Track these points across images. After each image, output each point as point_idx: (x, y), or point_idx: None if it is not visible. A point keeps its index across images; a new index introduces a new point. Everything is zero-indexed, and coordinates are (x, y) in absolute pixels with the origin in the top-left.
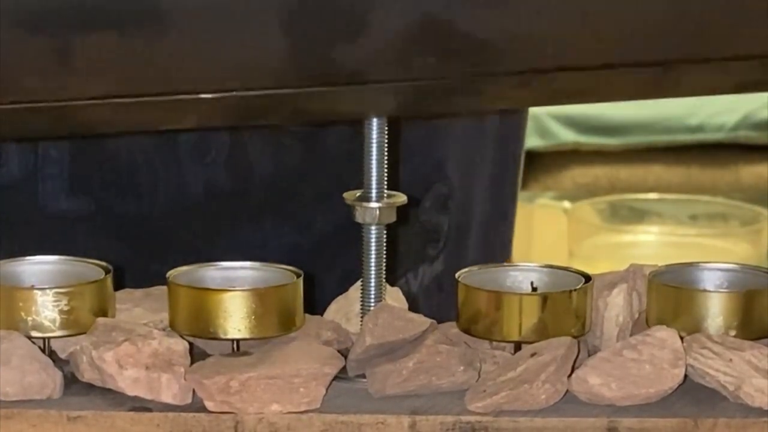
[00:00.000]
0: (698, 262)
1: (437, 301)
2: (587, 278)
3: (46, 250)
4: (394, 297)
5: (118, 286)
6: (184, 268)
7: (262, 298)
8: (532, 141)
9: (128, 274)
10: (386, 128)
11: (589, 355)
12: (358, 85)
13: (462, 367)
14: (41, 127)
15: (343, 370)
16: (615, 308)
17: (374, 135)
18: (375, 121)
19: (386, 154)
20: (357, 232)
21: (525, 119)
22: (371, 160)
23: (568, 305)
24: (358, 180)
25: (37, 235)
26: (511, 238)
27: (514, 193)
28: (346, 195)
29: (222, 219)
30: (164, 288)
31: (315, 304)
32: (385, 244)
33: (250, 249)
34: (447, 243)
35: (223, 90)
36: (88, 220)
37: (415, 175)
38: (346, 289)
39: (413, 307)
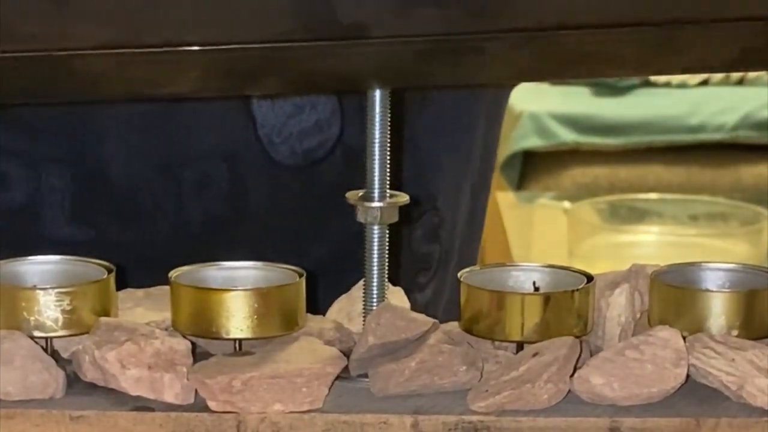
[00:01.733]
0: (700, 262)
1: None
2: (589, 278)
3: None
4: (397, 297)
5: (120, 286)
6: (186, 267)
7: (264, 297)
8: (532, 141)
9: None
10: (389, 124)
11: (591, 355)
12: (360, 39)
13: (464, 367)
14: (40, 80)
15: (346, 369)
16: (617, 308)
17: (377, 134)
18: (378, 109)
19: (389, 153)
20: (353, 260)
21: (495, 146)
22: (374, 159)
23: (570, 305)
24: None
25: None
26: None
27: (484, 215)
28: (348, 195)
29: (220, 249)
30: (166, 288)
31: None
32: (387, 244)
33: None
34: (437, 271)
35: (224, 42)
36: (89, 248)
37: (407, 205)
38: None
39: None
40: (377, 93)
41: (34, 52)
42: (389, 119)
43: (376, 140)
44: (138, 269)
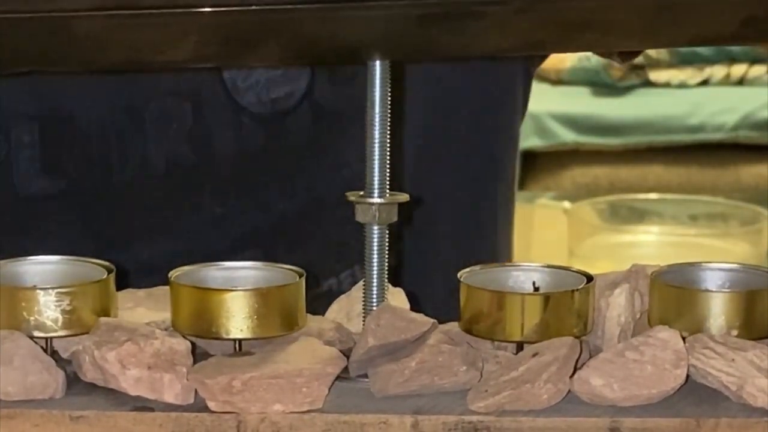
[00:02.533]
0: (700, 262)
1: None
2: (589, 278)
3: (22, 231)
4: (397, 297)
5: (121, 286)
6: (186, 267)
7: (264, 298)
8: (532, 141)
9: (95, 246)
10: (389, 120)
11: (591, 355)
12: (360, 2)
13: (464, 367)
14: (36, 44)
15: (346, 369)
16: (617, 308)
17: (377, 129)
18: (378, 83)
19: (388, 153)
20: (315, 222)
21: (516, 126)
22: (373, 159)
23: (570, 305)
24: (322, 167)
25: (12, 216)
26: (495, 242)
27: (500, 197)
28: (348, 194)
29: (185, 193)
30: (166, 288)
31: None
32: (387, 245)
33: (212, 224)
34: (399, 240)
35: (221, 5)
36: (59, 200)
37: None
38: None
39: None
40: (377, 64)
41: (29, 13)
42: (389, 102)
43: (376, 140)
44: (105, 215)
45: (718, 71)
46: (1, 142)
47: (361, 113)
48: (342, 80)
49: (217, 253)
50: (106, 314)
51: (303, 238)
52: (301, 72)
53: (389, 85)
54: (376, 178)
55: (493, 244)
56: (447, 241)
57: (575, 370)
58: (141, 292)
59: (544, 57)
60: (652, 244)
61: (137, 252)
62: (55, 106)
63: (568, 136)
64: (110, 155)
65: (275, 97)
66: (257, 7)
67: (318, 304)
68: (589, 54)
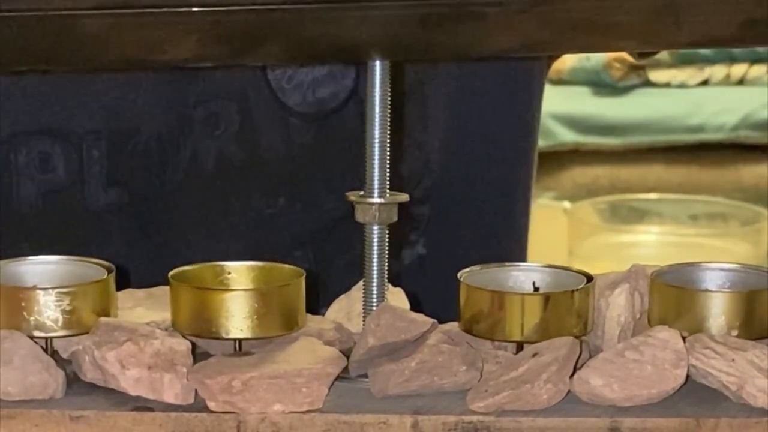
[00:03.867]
0: (700, 263)
1: (419, 281)
2: (589, 278)
3: (85, 243)
4: (397, 297)
5: (122, 285)
6: (186, 267)
7: (264, 297)
8: None
9: (151, 251)
10: (389, 120)
11: (591, 355)
12: (361, 2)
13: (464, 367)
14: (39, 42)
15: (345, 369)
16: (617, 308)
17: (376, 129)
18: (378, 83)
19: (388, 152)
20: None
21: (536, 117)
22: (373, 159)
23: (570, 305)
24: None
25: (79, 229)
26: (518, 234)
27: (521, 187)
28: (348, 194)
29: (233, 193)
30: (166, 288)
31: (323, 290)
32: (387, 245)
33: (262, 224)
34: (427, 228)
35: (221, 4)
36: (123, 211)
37: (406, 173)
38: (353, 276)
39: (397, 285)
40: (377, 64)
41: (31, 12)
42: (389, 102)
43: (376, 137)
44: (160, 219)
45: (718, 71)
46: (74, 160)
47: (407, 110)
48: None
49: (268, 252)
50: (106, 314)
51: (352, 237)
52: (346, 71)
53: (389, 85)
54: (376, 178)
55: (518, 238)
56: (474, 236)
57: (575, 370)
58: (141, 292)
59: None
60: (652, 244)
61: (190, 254)
62: (120, 120)
63: (568, 136)
64: (165, 161)
65: (321, 97)
66: (258, 7)
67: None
68: (589, 53)
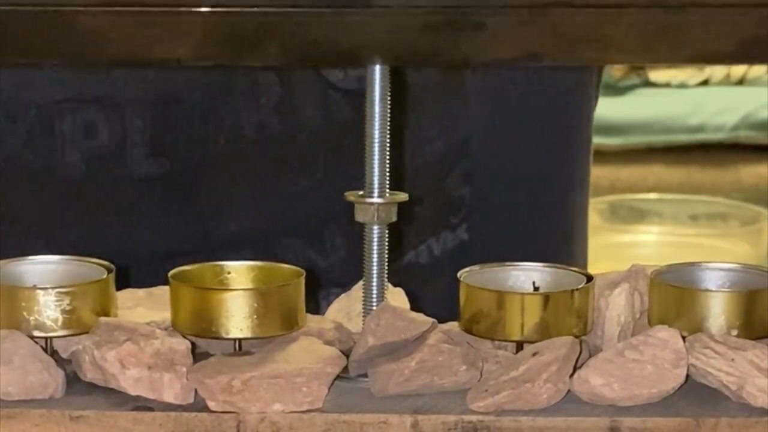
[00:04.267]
0: (700, 262)
1: (462, 265)
2: (589, 278)
3: (126, 212)
4: (397, 297)
5: (122, 285)
6: (186, 267)
7: (264, 297)
8: None
9: (188, 222)
10: (389, 120)
11: (591, 355)
12: (362, 8)
13: (464, 367)
14: (38, 38)
15: (345, 369)
16: (617, 308)
17: (376, 129)
18: (377, 87)
19: (388, 151)
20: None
21: (589, 115)
22: (373, 159)
23: (569, 305)
24: (405, 142)
25: (120, 198)
26: (570, 234)
27: (573, 183)
28: (347, 194)
29: (274, 164)
30: (166, 288)
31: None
32: (387, 244)
33: (299, 196)
34: (469, 212)
35: (222, 5)
36: (164, 179)
37: (443, 153)
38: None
39: (438, 271)
40: (377, 69)
41: (31, 6)
42: (389, 106)
43: (376, 137)
44: (200, 190)
45: (718, 71)
46: (117, 128)
47: (442, 90)
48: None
49: (302, 225)
50: (106, 314)
51: None
52: None
53: (389, 88)
54: (376, 178)
55: (570, 238)
56: (521, 226)
57: (575, 369)
58: (141, 292)
59: None
60: (652, 244)
61: (226, 224)
62: (163, 90)
63: None
64: (207, 131)
65: (362, 74)
66: (258, 9)
67: (403, 275)
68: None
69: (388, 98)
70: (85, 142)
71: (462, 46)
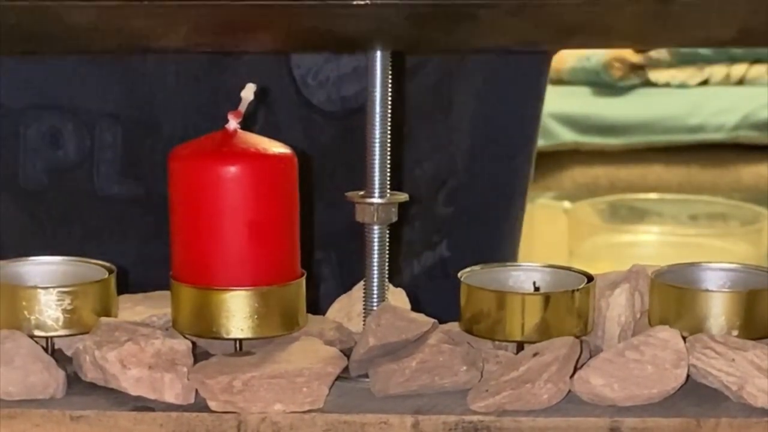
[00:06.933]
0: (700, 263)
1: (441, 285)
2: (589, 278)
3: (99, 231)
4: (397, 297)
5: (121, 290)
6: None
7: (264, 297)
8: None
9: (160, 248)
10: (389, 119)
11: (591, 355)
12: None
13: (464, 367)
14: (31, 29)
15: (346, 369)
16: (617, 308)
17: (377, 129)
18: (378, 75)
19: (389, 153)
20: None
21: (537, 117)
22: (374, 159)
23: (570, 305)
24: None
25: (90, 215)
26: (515, 233)
27: (521, 184)
28: (348, 194)
29: None
30: (162, 292)
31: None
32: (387, 245)
33: None
34: (451, 230)
35: None
36: (137, 203)
37: (432, 174)
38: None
39: (418, 290)
40: (377, 55)
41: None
42: (389, 102)
43: (376, 140)
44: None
45: (718, 71)
46: (84, 138)
47: (429, 111)
48: (411, 77)
49: None
50: (107, 314)
51: None
52: None
53: (390, 81)
54: (376, 178)
55: (515, 238)
56: (492, 237)
57: (575, 369)
58: (139, 296)
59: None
60: (652, 244)
61: None
62: (141, 110)
63: (568, 136)
64: None
65: (345, 95)
66: (252, 2)
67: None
68: (589, 54)
69: (389, 98)
70: (50, 152)
71: (455, 34)
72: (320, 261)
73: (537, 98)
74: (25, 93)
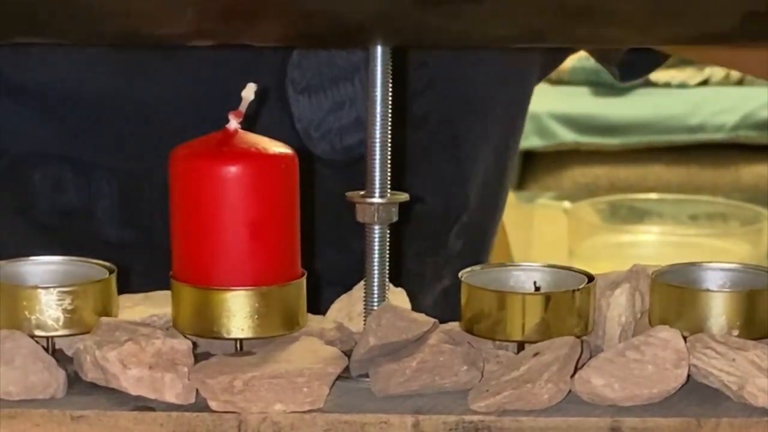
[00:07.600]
0: (701, 262)
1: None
2: (590, 278)
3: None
4: (398, 297)
5: (121, 290)
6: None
7: (265, 297)
8: (532, 141)
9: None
10: (389, 119)
11: (592, 355)
12: None
13: (465, 367)
14: (35, 14)
15: (346, 369)
16: (618, 308)
17: (377, 129)
18: (379, 71)
19: (389, 151)
20: (394, 256)
21: (518, 135)
22: (374, 159)
23: (571, 305)
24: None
25: (98, 258)
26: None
27: (503, 199)
28: (348, 194)
29: None
30: (163, 292)
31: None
32: (388, 244)
33: None
34: (456, 261)
35: None
36: (138, 249)
37: (446, 210)
38: None
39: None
40: (378, 50)
41: None
42: (390, 102)
43: (377, 139)
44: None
45: (718, 71)
46: (83, 188)
47: (431, 154)
48: (413, 124)
49: None
50: (107, 314)
51: None
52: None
53: (390, 80)
54: (376, 178)
55: (498, 225)
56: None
57: (576, 369)
58: (139, 296)
59: (560, 60)
60: (652, 244)
61: None
62: (133, 163)
63: (568, 136)
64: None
65: (348, 145)
66: None
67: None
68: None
69: (389, 98)
70: (56, 195)
71: (459, 21)
72: (328, 297)
73: (525, 106)
74: (28, 140)
